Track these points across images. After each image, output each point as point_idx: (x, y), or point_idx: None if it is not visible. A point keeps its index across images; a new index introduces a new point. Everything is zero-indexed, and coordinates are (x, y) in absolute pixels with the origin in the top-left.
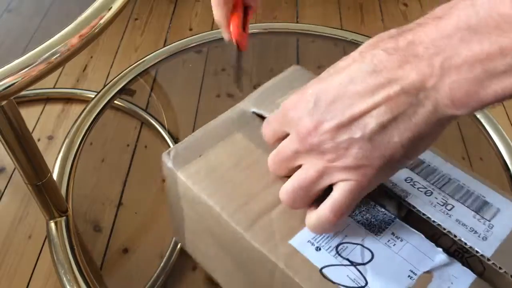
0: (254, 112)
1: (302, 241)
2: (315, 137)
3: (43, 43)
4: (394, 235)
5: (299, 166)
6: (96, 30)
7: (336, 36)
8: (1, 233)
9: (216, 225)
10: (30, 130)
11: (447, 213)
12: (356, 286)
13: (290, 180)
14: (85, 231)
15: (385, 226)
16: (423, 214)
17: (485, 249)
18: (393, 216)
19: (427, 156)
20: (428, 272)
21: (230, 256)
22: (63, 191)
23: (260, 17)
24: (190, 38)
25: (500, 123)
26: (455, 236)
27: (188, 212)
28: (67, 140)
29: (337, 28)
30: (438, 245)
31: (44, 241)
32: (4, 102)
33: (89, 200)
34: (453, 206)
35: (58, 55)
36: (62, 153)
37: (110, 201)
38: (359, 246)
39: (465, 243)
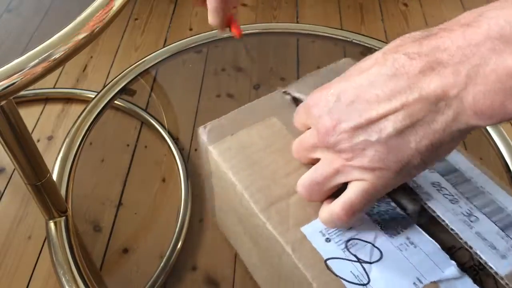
0: (293, 97)
1: (313, 230)
2: (332, 136)
3: (43, 43)
4: (408, 239)
5: (319, 158)
6: (95, 30)
7: (336, 36)
8: (1, 233)
9: (238, 202)
10: (30, 130)
11: (469, 224)
12: (358, 282)
13: (307, 173)
14: (85, 231)
15: (401, 229)
16: (442, 220)
17: (501, 267)
18: (411, 221)
19: (463, 164)
20: (434, 282)
21: (249, 235)
22: (62, 191)
23: (260, 17)
24: (190, 38)
25: (500, 124)
26: (470, 247)
27: (217, 188)
28: (67, 140)
29: (337, 28)
30: (453, 258)
31: (44, 241)
32: (3, 102)
33: (89, 200)
34: (478, 219)
35: (58, 55)
36: (62, 153)
37: (110, 201)
38: (369, 245)
39: (480, 257)
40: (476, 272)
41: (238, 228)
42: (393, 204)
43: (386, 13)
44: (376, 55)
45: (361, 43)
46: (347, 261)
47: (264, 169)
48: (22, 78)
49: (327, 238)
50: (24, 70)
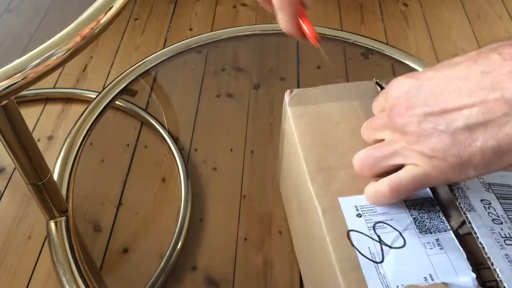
0: (382, 88)
1: (350, 203)
2: (403, 117)
3: (43, 43)
4: (437, 241)
5: (383, 139)
6: (96, 30)
7: (336, 37)
8: (1, 233)
9: (295, 163)
10: (30, 130)
11: (502, 245)
12: (371, 258)
13: (367, 148)
14: (85, 231)
15: (434, 231)
16: (475, 232)
17: None
18: (448, 228)
19: None
20: (445, 284)
21: (296, 194)
22: (63, 191)
23: (260, 17)
24: (190, 38)
25: None
26: (492, 263)
27: (285, 148)
28: (68, 140)
29: (337, 29)
30: (476, 273)
31: (44, 241)
32: (4, 102)
33: (89, 200)
34: None
35: (58, 55)
36: (63, 153)
37: (110, 201)
38: (396, 232)
39: (498, 275)
40: None
41: (291, 190)
42: (438, 207)
43: (386, 13)
44: (472, 53)
45: (361, 43)
46: (369, 238)
47: (328, 140)
48: (22, 79)
49: (359, 214)
50: (25, 71)
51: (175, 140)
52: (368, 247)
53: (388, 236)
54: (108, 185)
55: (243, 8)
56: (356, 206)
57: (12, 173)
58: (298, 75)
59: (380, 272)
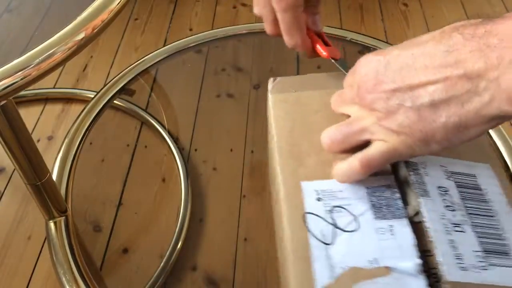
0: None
1: (312, 187)
2: (371, 94)
3: (43, 43)
4: (391, 227)
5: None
6: (96, 30)
7: (336, 36)
8: (1, 233)
9: (272, 149)
10: (30, 130)
11: (449, 231)
12: (321, 240)
13: (336, 124)
14: (85, 231)
15: (390, 217)
16: (423, 216)
17: (453, 274)
18: (404, 215)
19: (492, 190)
20: (387, 268)
21: (271, 182)
22: (62, 191)
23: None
24: (190, 38)
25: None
26: (434, 247)
27: (268, 135)
28: (66, 140)
29: (337, 28)
30: (423, 260)
31: (44, 241)
32: (3, 102)
33: (89, 200)
34: (463, 232)
35: (57, 55)
36: (62, 153)
37: (110, 201)
38: (352, 217)
39: (437, 258)
40: (437, 279)
41: (270, 175)
42: (397, 195)
43: (386, 13)
44: (435, 32)
45: (361, 42)
46: (323, 221)
47: (304, 127)
48: (22, 78)
49: (318, 198)
50: (24, 70)
51: (175, 140)
52: (321, 229)
53: (343, 220)
54: (108, 185)
55: (243, 8)
56: (317, 191)
57: (12, 173)
58: (298, 75)
59: (328, 253)
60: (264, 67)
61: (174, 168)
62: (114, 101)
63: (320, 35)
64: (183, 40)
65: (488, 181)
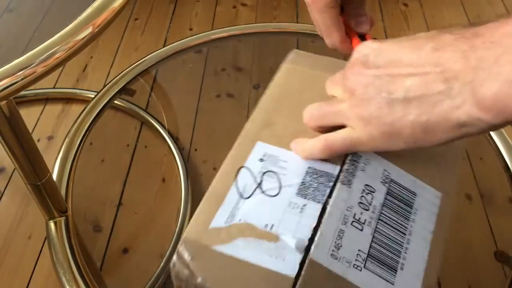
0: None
1: (263, 149)
2: (354, 76)
3: (43, 43)
4: (304, 206)
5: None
6: (96, 30)
7: None
8: (1, 233)
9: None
10: (30, 130)
11: (345, 222)
12: (239, 191)
13: (319, 102)
14: (85, 231)
15: (309, 198)
16: (329, 200)
17: (318, 255)
18: (322, 201)
19: (422, 202)
20: (277, 236)
21: None
22: (62, 191)
23: (260, 17)
24: (190, 38)
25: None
26: (320, 228)
27: None
28: (67, 140)
29: None
30: (312, 239)
31: (44, 241)
32: (3, 102)
33: (89, 200)
34: (360, 230)
35: (58, 55)
36: (62, 153)
37: (110, 201)
38: (278, 185)
39: (315, 238)
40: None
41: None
42: (331, 184)
43: (386, 13)
44: (433, 31)
45: None
46: (252, 178)
47: (293, 101)
48: (22, 79)
49: (262, 159)
50: (25, 70)
51: (175, 140)
52: (246, 183)
53: (269, 184)
54: (108, 185)
55: (243, 8)
56: (266, 153)
57: (12, 173)
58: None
59: (238, 205)
60: (264, 67)
61: (174, 168)
62: (114, 101)
63: (365, 38)
64: (183, 40)
65: (426, 206)
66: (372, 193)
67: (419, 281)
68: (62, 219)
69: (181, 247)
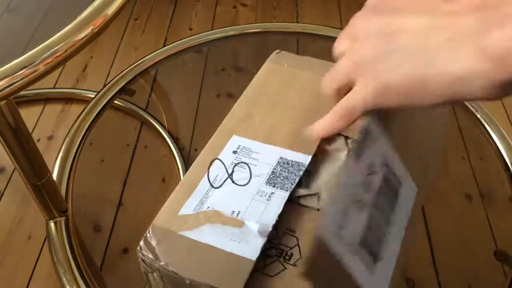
0: None
1: (237, 142)
2: (358, 21)
3: (43, 43)
4: (272, 194)
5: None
6: (96, 30)
7: (336, 36)
8: (1, 233)
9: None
10: (30, 130)
11: (349, 198)
12: (210, 181)
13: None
14: (85, 231)
15: (277, 187)
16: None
17: (323, 232)
18: (289, 189)
19: (405, 192)
20: (242, 222)
21: None
22: (63, 191)
23: (260, 17)
24: (190, 38)
25: (500, 123)
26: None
27: None
28: (67, 140)
29: (337, 28)
30: (278, 235)
31: (44, 241)
32: (3, 102)
33: (89, 200)
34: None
35: (57, 55)
36: (62, 153)
37: (110, 201)
38: (249, 175)
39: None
40: (280, 255)
41: None
42: (300, 173)
43: None
44: None
45: None
46: (224, 169)
47: (273, 97)
48: (22, 78)
49: (235, 151)
50: (24, 70)
51: (175, 140)
52: (218, 174)
53: (240, 175)
54: (108, 185)
55: (243, 8)
56: (240, 146)
57: (12, 173)
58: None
59: (208, 194)
60: None
61: (174, 168)
62: (114, 101)
63: None
64: (183, 40)
65: (406, 199)
66: (373, 174)
67: (390, 276)
68: (62, 219)
69: (148, 233)
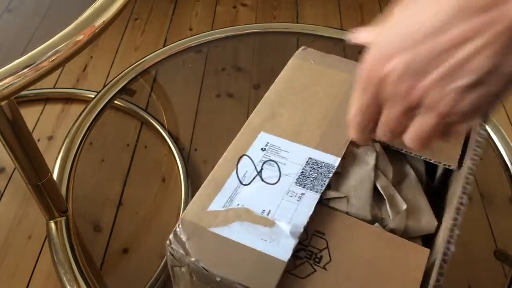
0: None
1: (265, 139)
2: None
3: (43, 43)
4: (302, 195)
5: None
6: (96, 30)
7: (336, 36)
8: (1, 233)
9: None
10: (30, 130)
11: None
12: (240, 179)
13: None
14: (85, 231)
15: (307, 188)
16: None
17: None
18: (320, 191)
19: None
20: (273, 222)
21: None
22: (63, 191)
23: (260, 17)
24: (190, 38)
25: (500, 124)
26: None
27: None
28: (67, 140)
29: (337, 28)
30: (309, 237)
31: (44, 241)
32: (4, 102)
33: (89, 200)
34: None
35: (58, 55)
36: (62, 153)
37: (110, 201)
38: (278, 174)
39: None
40: (310, 257)
41: None
42: (330, 175)
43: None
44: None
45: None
46: (253, 166)
47: (299, 94)
48: (22, 79)
49: (264, 148)
50: (25, 70)
51: (175, 140)
52: (247, 171)
53: (269, 173)
54: (108, 185)
55: (243, 8)
56: (268, 143)
57: (12, 173)
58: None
59: (237, 190)
60: (264, 67)
61: (174, 168)
62: (114, 101)
63: None
64: (183, 40)
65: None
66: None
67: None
68: (63, 219)
69: (178, 227)
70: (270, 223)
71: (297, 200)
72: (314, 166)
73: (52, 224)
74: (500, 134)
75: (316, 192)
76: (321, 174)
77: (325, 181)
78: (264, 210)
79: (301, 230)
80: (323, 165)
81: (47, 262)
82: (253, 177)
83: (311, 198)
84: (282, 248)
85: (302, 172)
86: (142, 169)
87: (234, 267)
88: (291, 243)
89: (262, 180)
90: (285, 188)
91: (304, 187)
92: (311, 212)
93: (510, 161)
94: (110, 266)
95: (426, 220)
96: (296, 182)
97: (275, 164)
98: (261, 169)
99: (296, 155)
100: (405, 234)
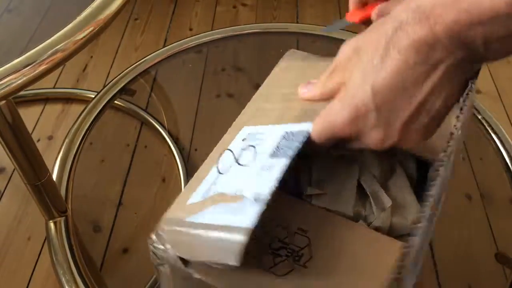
0: None
1: (247, 130)
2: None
3: (43, 43)
4: (273, 164)
5: None
6: (96, 30)
7: (336, 36)
8: (1, 233)
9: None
10: (30, 130)
11: None
12: (219, 169)
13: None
14: (85, 231)
15: (280, 156)
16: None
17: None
18: (292, 153)
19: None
20: (242, 196)
21: None
22: (62, 191)
23: (260, 17)
24: (190, 38)
25: (500, 123)
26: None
27: None
28: (67, 140)
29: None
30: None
31: (44, 241)
32: (3, 102)
33: (89, 200)
34: None
35: (57, 54)
36: (62, 153)
37: (110, 201)
38: (254, 154)
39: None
40: (290, 255)
41: None
42: (303, 140)
43: None
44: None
45: None
46: (232, 156)
47: (284, 91)
48: (21, 78)
49: (244, 139)
50: (24, 70)
51: (175, 140)
52: (226, 162)
53: (246, 156)
54: (108, 185)
55: (243, 8)
56: (249, 134)
57: (12, 173)
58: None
59: (216, 180)
60: (264, 67)
61: (174, 168)
62: (114, 101)
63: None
64: (183, 40)
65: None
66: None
67: None
68: (62, 219)
69: (159, 226)
70: (239, 198)
71: (267, 170)
72: (290, 137)
73: (51, 224)
74: (500, 134)
75: (287, 158)
76: (294, 141)
77: (296, 145)
78: (237, 190)
79: (267, 194)
80: (298, 133)
81: (47, 262)
82: (230, 165)
83: (280, 164)
84: (247, 216)
85: (277, 146)
86: (142, 169)
87: (202, 247)
88: (256, 209)
89: (239, 165)
90: (259, 165)
91: (277, 157)
92: (278, 175)
93: (511, 161)
94: (110, 266)
95: (413, 217)
96: (270, 156)
97: (253, 148)
98: (240, 156)
99: (273, 134)
100: (392, 231)
